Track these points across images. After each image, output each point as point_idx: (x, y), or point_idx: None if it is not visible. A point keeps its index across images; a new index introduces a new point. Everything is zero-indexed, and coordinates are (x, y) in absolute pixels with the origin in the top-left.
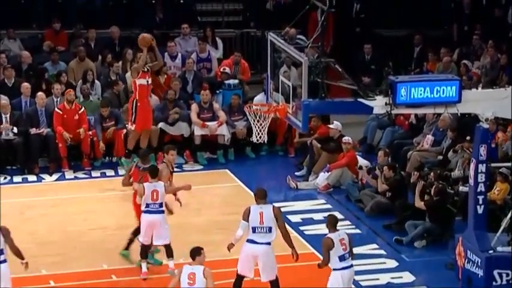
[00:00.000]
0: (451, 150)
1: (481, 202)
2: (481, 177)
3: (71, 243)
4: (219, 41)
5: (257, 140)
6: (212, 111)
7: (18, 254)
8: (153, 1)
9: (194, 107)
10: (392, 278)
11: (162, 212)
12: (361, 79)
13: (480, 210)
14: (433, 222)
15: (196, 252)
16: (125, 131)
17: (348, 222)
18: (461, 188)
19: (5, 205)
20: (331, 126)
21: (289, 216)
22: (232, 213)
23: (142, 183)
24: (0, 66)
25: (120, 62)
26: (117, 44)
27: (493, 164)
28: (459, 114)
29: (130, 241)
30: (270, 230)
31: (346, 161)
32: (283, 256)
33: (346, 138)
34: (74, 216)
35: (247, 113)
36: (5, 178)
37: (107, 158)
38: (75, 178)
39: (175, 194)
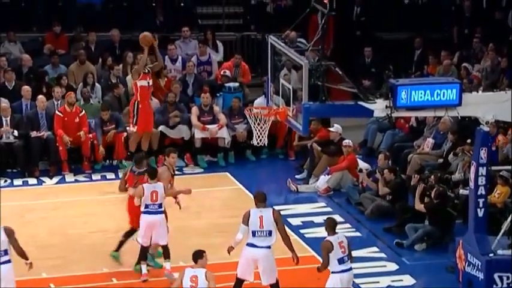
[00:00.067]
0: (452, 153)
1: (481, 205)
2: (482, 180)
3: (71, 246)
4: (220, 44)
5: (257, 143)
6: (212, 114)
7: (22, 254)
8: (154, 4)
9: (194, 110)
10: (393, 281)
11: (162, 212)
12: (362, 82)
13: (480, 213)
14: (433, 225)
15: (198, 255)
16: (125, 134)
17: (348, 225)
18: (462, 191)
19: (6, 208)
20: (331, 129)
21: (290, 219)
22: (232, 216)
23: (142, 184)
24: (1, 69)
25: (121, 65)
26: (118, 47)
27: (493, 167)
28: (459, 117)
29: (121, 243)
30: (270, 233)
31: (346, 164)
32: (283, 259)
33: (346, 141)
34: (75, 219)
35: (247, 116)
36: (6, 181)
37: (108, 161)
38: (76, 181)
39: (175, 197)
